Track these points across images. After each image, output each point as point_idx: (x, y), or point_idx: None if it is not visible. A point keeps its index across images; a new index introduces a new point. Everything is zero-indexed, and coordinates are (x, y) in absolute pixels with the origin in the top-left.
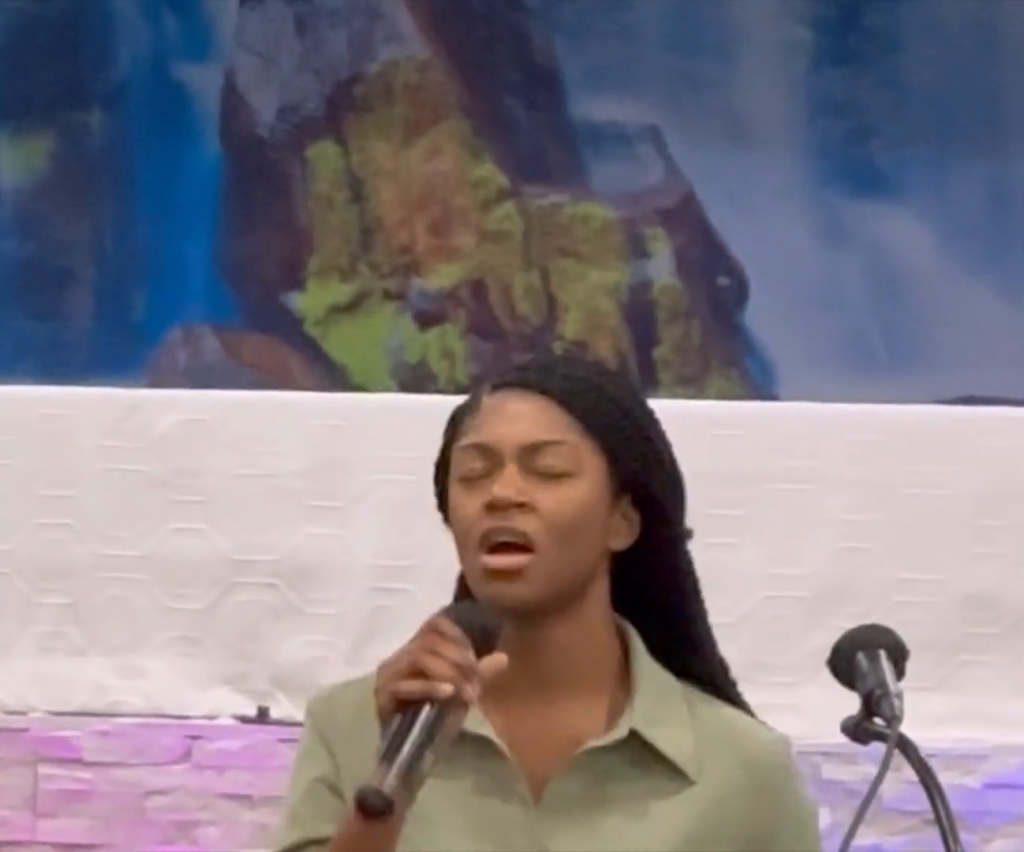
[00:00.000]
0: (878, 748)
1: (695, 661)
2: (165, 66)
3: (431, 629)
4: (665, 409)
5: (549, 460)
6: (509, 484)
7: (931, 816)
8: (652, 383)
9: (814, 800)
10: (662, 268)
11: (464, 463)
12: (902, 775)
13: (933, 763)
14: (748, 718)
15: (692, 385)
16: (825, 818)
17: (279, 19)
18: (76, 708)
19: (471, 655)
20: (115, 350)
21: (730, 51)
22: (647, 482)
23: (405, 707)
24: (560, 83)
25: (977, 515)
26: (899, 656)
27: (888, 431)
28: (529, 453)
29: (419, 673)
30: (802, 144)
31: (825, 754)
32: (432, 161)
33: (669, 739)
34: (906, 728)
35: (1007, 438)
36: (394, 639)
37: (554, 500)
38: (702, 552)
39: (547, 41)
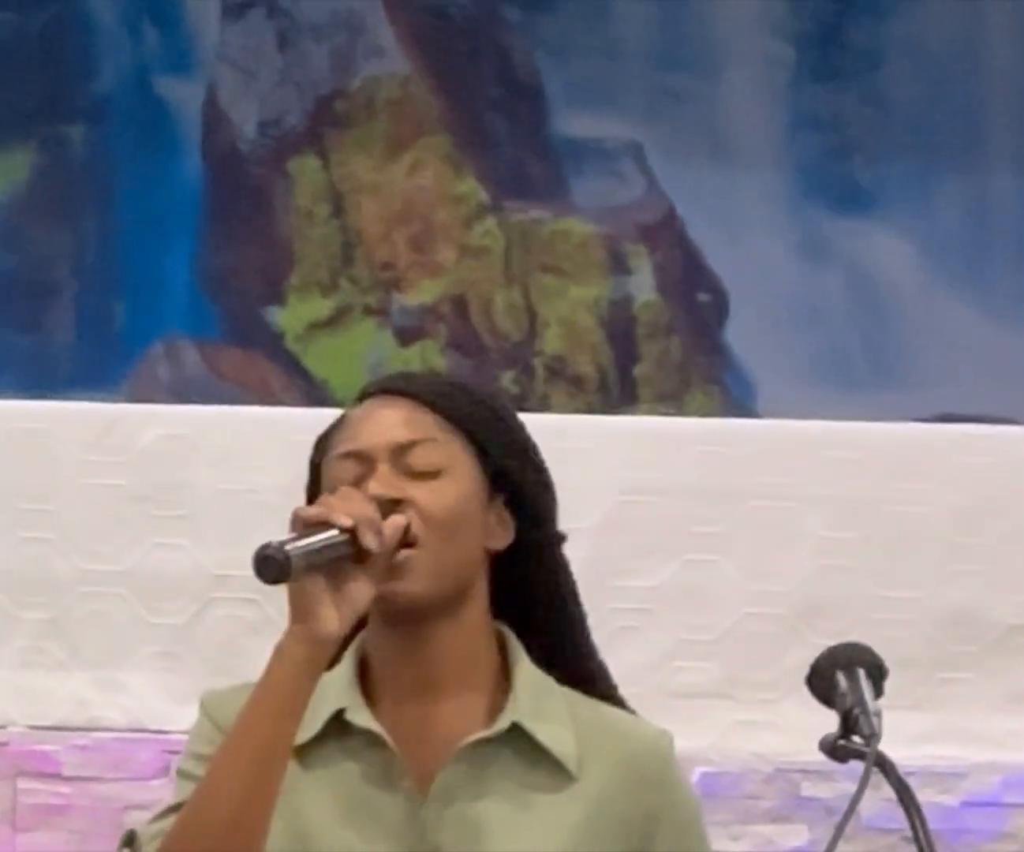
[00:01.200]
0: (857, 766)
1: (576, 665)
2: (147, 80)
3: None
4: (645, 426)
5: (420, 458)
6: (383, 481)
7: (910, 834)
8: (632, 399)
9: (698, 797)
10: (643, 284)
11: (337, 472)
12: (881, 793)
13: (911, 781)
14: (629, 715)
15: (672, 401)
16: (804, 835)
17: (261, 34)
18: (56, 722)
19: (376, 514)
20: (96, 364)
21: (712, 67)
22: (518, 479)
23: None
24: (542, 99)
25: (957, 532)
26: (878, 674)
27: (868, 448)
28: (400, 453)
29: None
30: (783, 160)
31: (804, 772)
32: (413, 177)
33: (551, 735)
34: (885, 746)
35: (987, 455)
36: None
37: (430, 495)
38: (682, 569)
39: (529, 57)
